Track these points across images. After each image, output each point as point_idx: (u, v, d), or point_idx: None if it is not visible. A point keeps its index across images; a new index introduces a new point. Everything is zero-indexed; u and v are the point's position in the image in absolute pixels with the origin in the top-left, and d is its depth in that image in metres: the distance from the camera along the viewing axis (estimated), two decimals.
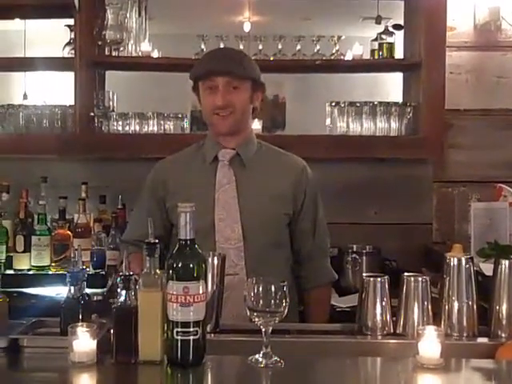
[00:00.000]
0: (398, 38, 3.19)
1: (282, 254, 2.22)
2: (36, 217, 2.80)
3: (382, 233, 3.12)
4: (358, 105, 3.04)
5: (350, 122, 3.05)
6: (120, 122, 3.03)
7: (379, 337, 1.76)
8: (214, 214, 2.14)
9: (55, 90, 3.46)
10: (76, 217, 2.85)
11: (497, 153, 3.15)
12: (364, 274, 1.84)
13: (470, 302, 1.75)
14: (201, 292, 1.48)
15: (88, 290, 1.74)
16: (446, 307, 1.76)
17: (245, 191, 2.17)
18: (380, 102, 3.04)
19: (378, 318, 1.76)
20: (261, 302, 1.50)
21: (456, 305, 1.75)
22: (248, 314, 1.52)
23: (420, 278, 1.77)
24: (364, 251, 2.91)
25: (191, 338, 1.47)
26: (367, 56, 3.19)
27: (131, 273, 1.52)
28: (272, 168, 2.24)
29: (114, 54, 3.04)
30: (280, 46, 3.19)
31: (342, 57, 3.19)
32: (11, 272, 2.76)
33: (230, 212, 2.14)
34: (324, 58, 3.16)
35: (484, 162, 3.15)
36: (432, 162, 3.16)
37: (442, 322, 1.75)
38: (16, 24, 3.40)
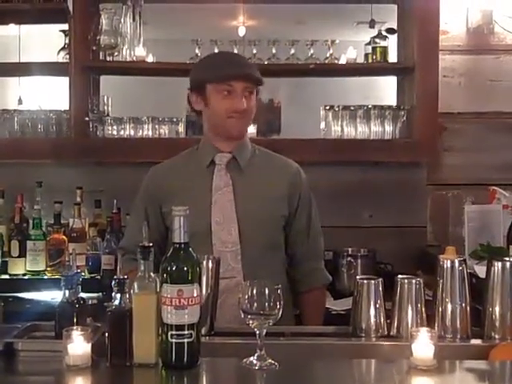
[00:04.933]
0: (392, 42, 3.21)
1: (278, 257, 2.23)
2: (31, 221, 2.81)
3: (377, 236, 3.13)
4: (352, 108, 3.05)
5: (345, 126, 3.06)
6: (115, 127, 3.04)
7: (373, 339, 1.76)
8: (211, 218, 2.14)
9: (50, 95, 3.47)
10: (71, 221, 2.86)
11: (491, 155, 3.17)
12: (358, 277, 1.84)
13: (464, 304, 1.76)
14: (195, 295, 1.48)
15: (83, 295, 1.74)
16: (440, 309, 1.77)
17: (242, 194, 2.18)
18: (374, 106, 3.06)
19: (372, 320, 1.77)
20: (255, 304, 1.51)
21: (449, 307, 1.76)
22: (242, 316, 1.52)
23: (414, 281, 1.77)
24: (359, 254, 2.91)
25: (186, 340, 1.47)
26: (361, 60, 3.21)
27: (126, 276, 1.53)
28: (267, 171, 2.25)
29: (108, 58, 3.05)
30: (274, 51, 3.20)
31: (335, 61, 3.21)
32: (6, 277, 2.76)
33: (226, 215, 2.15)
34: (318, 62, 3.17)
35: (478, 164, 3.16)
36: (426, 165, 3.17)
37: (436, 324, 1.76)
38: (11, 29, 3.41)
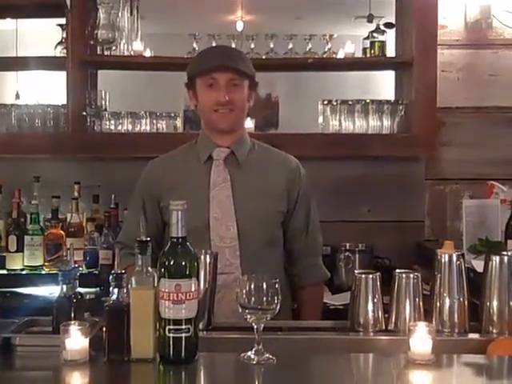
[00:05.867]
0: (390, 37, 3.20)
1: (276, 253, 2.23)
2: (29, 216, 2.80)
3: (375, 230, 3.13)
4: (351, 103, 3.05)
5: (343, 120, 3.06)
6: (112, 122, 3.03)
7: (371, 333, 1.76)
8: (209, 213, 2.14)
9: (47, 90, 3.46)
10: (69, 216, 2.86)
11: (489, 150, 3.16)
12: (356, 271, 1.84)
13: (461, 299, 1.76)
14: (193, 289, 1.48)
15: (81, 290, 1.74)
16: (438, 303, 1.77)
17: (240, 190, 2.17)
18: (372, 100, 3.05)
19: (370, 314, 1.77)
20: (253, 299, 1.51)
21: (447, 301, 1.76)
22: (240, 311, 1.52)
23: (411, 275, 1.77)
24: (357, 249, 2.91)
25: (183, 335, 1.47)
26: (359, 54, 3.21)
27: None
28: (266, 166, 2.24)
29: (105, 53, 3.04)
30: (272, 45, 3.19)
31: (334, 55, 3.20)
32: (4, 272, 2.76)
33: (225, 211, 2.15)
34: (316, 57, 3.17)
35: (476, 159, 3.16)
36: (424, 159, 3.17)
37: (434, 319, 1.76)
38: (8, 23, 3.40)
